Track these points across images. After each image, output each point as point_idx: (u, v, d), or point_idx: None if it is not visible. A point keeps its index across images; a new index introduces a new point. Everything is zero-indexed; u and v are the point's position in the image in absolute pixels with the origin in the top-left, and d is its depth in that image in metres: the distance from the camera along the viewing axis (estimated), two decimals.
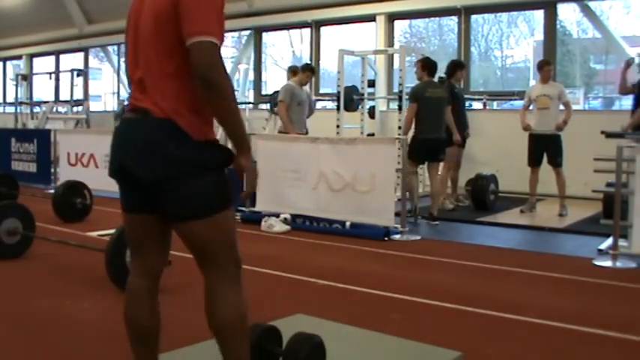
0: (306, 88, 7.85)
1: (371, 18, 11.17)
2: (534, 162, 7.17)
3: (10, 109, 17.00)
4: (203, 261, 2.05)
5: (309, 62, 8.18)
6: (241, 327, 2.04)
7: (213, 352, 2.13)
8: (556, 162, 7.02)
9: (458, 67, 7.72)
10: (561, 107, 7.16)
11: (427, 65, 7.02)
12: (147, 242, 2.11)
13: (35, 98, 16.56)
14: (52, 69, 16.89)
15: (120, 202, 2.13)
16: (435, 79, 7.23)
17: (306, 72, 7.56)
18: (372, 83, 9.41)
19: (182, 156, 1.93)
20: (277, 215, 6.27)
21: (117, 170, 2.05)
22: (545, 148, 7.06)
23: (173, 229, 2.08)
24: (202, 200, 1.95)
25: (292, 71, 7.67)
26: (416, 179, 7.00)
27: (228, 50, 21.12)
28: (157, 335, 2.19)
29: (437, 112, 6.81)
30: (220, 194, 1.99)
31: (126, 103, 14.55)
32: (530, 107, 7.29)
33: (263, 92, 13.04)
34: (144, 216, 2.06)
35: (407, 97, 7.53)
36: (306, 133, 7.38)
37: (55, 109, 14.11)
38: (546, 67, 7.16)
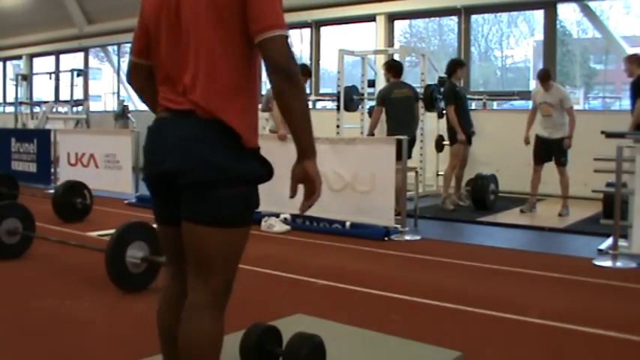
0: None
1: (371, 18, 11.17)
2: (539, 160, 7.19)
3: (10, 109, 17.01)
4: (195, 271, 1.89)
5: (305, 64, 8.14)
6: (211, 356, 1.87)
7: None
8: (560, 162, 7.03)
9: (458, 65, 7.72)
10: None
11: (392, 67, 7.23)
12: (182, 251, 1.97)
13: (35, 98, 16.58)
14: (52, 69, 16.91)
15: (154, 214, 2.03)
16: (407, 80, 7.40)
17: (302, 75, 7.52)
18: (372, 83, 9.40)
19: (224, 161, 1.79)
20: (277, 215, 6.27)
21: (151, 175, 1.93)
22: (550, 150, 7.09)
23: (184, 229, 1.91)
24: (225, 210, 1.82)
25: None
26: (416, 178, 7.01)
27: None
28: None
29: (405, 112, 6.97)
30: (245, 209, 1.86)
31: (126, 103, 14.60)
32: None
33: (263, 92, 13.03)
34: (179, 229, 1.92)
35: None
36: None
37: (55, 109, 14.11)
38: (546, 81, 7.06)
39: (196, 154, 1.79)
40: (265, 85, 8.62)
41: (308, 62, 12.35)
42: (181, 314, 1.94)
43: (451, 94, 7.55)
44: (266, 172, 1.91)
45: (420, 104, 7.76)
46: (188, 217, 1.86)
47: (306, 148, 1.83)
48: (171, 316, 2.04)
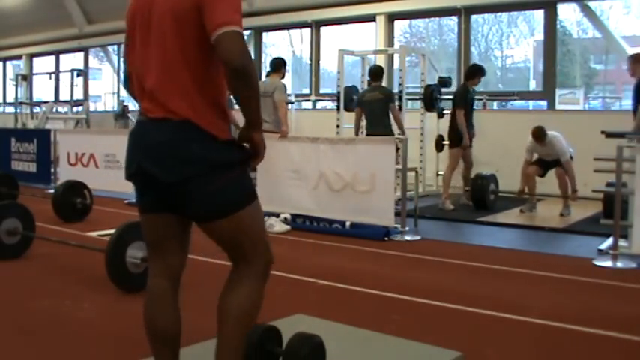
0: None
1: (371, 18, 11.17)
2: (538, 166, 7.18)
3: (10, 109, 17.00)
4: (233, 255, 2.08)
5: (281, 57, 8.47)
6: (245, 321, 2.04)
7: (213, 352, 2.12)
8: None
9: (479, 72, 7.77)
10: None
11: (371, 71, 7.84)
12: (167, 242, 2.11)
13: (35, 98, 16.57)
14: (52, 69, 16.90)
15: (138, 205, 2.13)
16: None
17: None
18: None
19: (205, 156, 1.94)
20: (277, 215, 6.27)
21: (135, 173, 2.04)
22: (551, 165, 7.11)
23: (200, 228, 2.06)
24: (226, 198, 1.97)
25: (278, 68, 7.85)
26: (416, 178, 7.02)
27: None
28: (178, 336, 2.16)
29: (373, 112, 7.52)
30: (243, 191, 2.02)
31: (125, 103, 14.59)
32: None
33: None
34: (164, 216, 2.06)
35: None
36: None
37: (55, 109, 14.11)
38: (541, 140, 6.92)
39: (179, 154, 1.93)
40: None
41: (308, 62, 12.36)
42: (167, 309, 2.09)
43: (464, 97, 7.63)
44: (246, 155, 2.05)
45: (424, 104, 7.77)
46: (198, 218, 2.01)
47: (254, 123, 2.02)
48: (162, 314, 2.10)
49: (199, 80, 1.97)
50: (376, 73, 7.70)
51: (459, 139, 7.59)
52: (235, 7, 1.91)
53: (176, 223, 2.07)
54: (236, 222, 1.99)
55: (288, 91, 8.91)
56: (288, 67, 8.34)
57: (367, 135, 7.56)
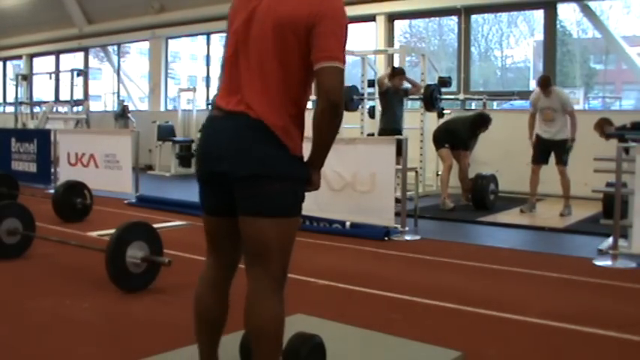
0: None
1: (371, 18, 11.17)
2: (537, 160, 7.18)
3: (10, 109, 17.00)
4: (254, 261, 2.09)
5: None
6: (275, 335, 2.08)
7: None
8: (562, 160, 7.02)
9: (485, 125, 7.83)
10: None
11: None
12: (224, 242, 2.20)
13: (35, 98, 16.57)
14: (52, 69, 16.90)
15: (201, 204, 2.21)
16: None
17: None
18: (372, 83, 9.41)
19: (277, 161, 2.01)
20: None
21: (205, 171, 2.12)
22: (550, 150, 7.11)
23: (242, 224, 2.09)
24: (279, 201, 2.02)
25: None
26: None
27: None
28: (223, 326, 2.25)
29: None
30: (294, 201, 2.08)
31: (126, 103, 14.57)
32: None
33: None
34: (225, 219, 2.15)
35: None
36: None
37: (55, 109, 14.11)
38: (547, 87, 7.00)
39: (253, 151, 1.99)
40: None
41: None
42: (217, 298, 2.21)
43: (471, 142, 7.92)
44: (308, 175, 2.12)
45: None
46: (246, 210, 2.05)
47: (318, 163, 2.13)
48: (208, 301, 2.22)
49: (291, 96, 2.03)
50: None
51: (440, 141, 7.86)
52: (343, 44, 2.04)
53: (234, 225, 2.13)
54: (278, 226, 2.04)
55: None
56: None
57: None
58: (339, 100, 1.97)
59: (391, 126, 7.86)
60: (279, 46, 1.99)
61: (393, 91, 8.01)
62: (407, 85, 8.23)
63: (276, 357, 2.11)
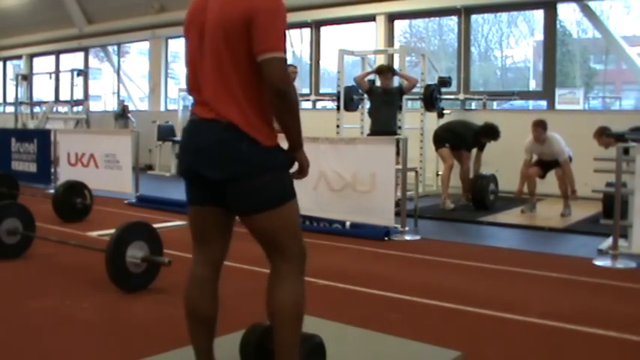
0: None
1: (371, 18, 11.17)
2: (538, 167, 7.19)
3: (10, 109, 16.99)
4: (270, 250, 2.21)
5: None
6: (295, 315, 2.17)
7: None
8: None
9: (490, 137, 7.80)
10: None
11: None
12: (211, 233, 2.26)
13: (35, 98, 16.56)
14: (52, 69, 16.89)
15: (187, 198, 2.28)
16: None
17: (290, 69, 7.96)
18: (371, 83, 9.40)
19: (252, 157, 2.09)
20: None
21: (186, 169, 2.22)
22: (553, 166, 7.13)
23: (241, 223, 2.21)
24: (267, 194, 2.12)
25: None
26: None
27: None
28: (215, 321, 2.30)
29: None
30: (284, 188, 2.17)
31: (126, 103, 14.59)
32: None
33: None
34: (210, 208, 2.22)
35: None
36: None
37: (55, 109, 14.11)
38: (539, 128, 6.96)
39: (227, 154, 2.09)
40: None
41: (308, 62, 12.36)
42: (206, 296, 2.25)
43: (477, 145, 7.89)
44: (288, 159, 2.21)
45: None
46: (240, 210, 2.17)
47: (295, 145, 2.22)
48: (198, 299, 2.26)
49: (250, 91, 2.11)
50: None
51: (440, 141, 7.86)
52: (281, 34, 2.11)
53: (220, 215, 2.22)
54: (277, 216, 2.13)
55: None
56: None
57: None
58: (283, 86, 2.04)
59: (377, 127, 7.69)
60: (229, 48, 2.09)
61: (381, 91, 7.87)
62: (403, 81, 8.08)
63: (295, 337, 2.19)
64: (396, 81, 8.14)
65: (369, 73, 8.32)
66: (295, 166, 2.27)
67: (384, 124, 7.65)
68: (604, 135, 6.86)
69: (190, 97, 2.31)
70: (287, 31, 2.17)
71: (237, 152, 2.09)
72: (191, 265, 2.30)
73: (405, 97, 8.27)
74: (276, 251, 2.19)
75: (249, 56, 2.07)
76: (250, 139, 2.09)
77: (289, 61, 9.17)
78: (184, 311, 2.29)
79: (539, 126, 6.95)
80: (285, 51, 2.10)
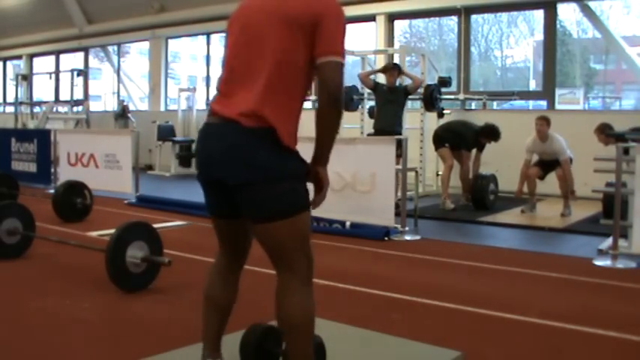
0: None
1: (371, 18, 11.17)
2: (539, 167, 7.20)
3: (10, 109, 16.99)
4: (277, 261, 2.15)
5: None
6: (305, 327, 2.15)
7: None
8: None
9: (491, 138, 7.81)
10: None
11: None
12: (233, 240, 2.30)
13: (35, 98, 16.56)
14: (52, 69, 16.89)
15: (206, 207, 2.26)
16: (407, 80, 7.94)
17: None
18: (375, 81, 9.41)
19: (270, 162, 2.03)
20: None
21: (202, 175, 2.19)
22: (555, 165, 7.13)
23: (254, 231, 2.19)
24: (280, 204, 2.05)
25: None
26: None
27: None
28: (229, 310, 2.35)
29: None
30: (299, 199, 2.09)
31: (125, 103, 14.57)
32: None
33: None
34: (230, 221, 2.22)
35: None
36: None
37: (55, 109, 14.11)
38: (543, 122, 7.00)
39: (244, 159, 2.02)
40: None
41: None
42: (226, 285, 2.32)
43: (476, 145, 7.89)
44: (305, 169, 2.14)
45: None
46: (251, 218, 2.11)
47: (323, 159, 2.17)
48: (217, 287, 2.33)
49: (286, 93, 2.06)
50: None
51: (439, 141, 7.86)
52: (344, 40, 2.09)
53: (240, 226, 2.22)
54: (288, 226, 2.07)
55: None
56: None
57: None
58: (339, 94, 2.02)
59: (380, 126, 7.66)
60: (284, 39, 2.03)
61: (386, 89, 7.85)
62: (407, 81, 8.06)
63: (308, 348, 2.18)
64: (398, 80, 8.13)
65: (373, 72, 8.31)
66: (311, 187, 2.17)
67: (387, 123, 7.58)
68: (604, 133, 6.86)
69: (213, 94, 2.31)
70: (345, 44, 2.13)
71: (253, 157, 2.02)
72: (216, 254, 2.36)
73: (409, 97, 8.28)
74: (282, 263, 2.14)
75: (305, 54, 2.03)
76: (272, 140, 2.02)
77: None
78: (203, 294, 2.33)
79: (543, 119, 6.97)
80: (344, 57, 2.07)
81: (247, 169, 2.02)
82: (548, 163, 7.17)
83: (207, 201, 2.25)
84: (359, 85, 9.43)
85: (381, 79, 8.40)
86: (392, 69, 7.92)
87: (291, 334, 2.14)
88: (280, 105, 2.04)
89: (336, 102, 2.02)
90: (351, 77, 10.22)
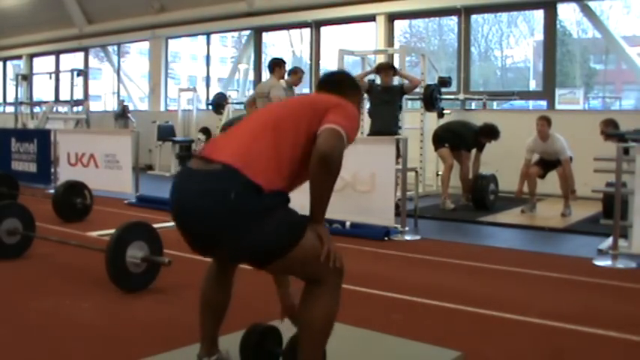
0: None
1: (371, 18, 11.18)
2: (539, 167, 7.20)
3: (10, 109, 17.00)
4: (303, 279, 2.17)
5: (297, 66, 8.77)
6: (325, 331, 2.15)
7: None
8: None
9: (491, 136, 7.81)
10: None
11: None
12: (223, 260, 2.37)
13: (35, 98, 16.56)
14: (52, 69, 16.89)
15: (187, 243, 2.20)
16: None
17: (298, 73, 8.31)
18: (371, 82, 9.40)
19: (243, 205, 1.98)
20: None
21: (176, 221, 2.18)
22: (556, 164, 7.14)
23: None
24: (272, 243, 2.02)
25: (273, 70, 7.89)
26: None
27: (228, 50, 21.09)
28: (225, 310, 2.41)
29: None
30: (288, 230, 2.05)
31: (125, 103, 14.58)
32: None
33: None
34: (215, 253, 2.24)
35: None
36: None
37: (55, 109, 14.11)
38: (544, 122, 7.00)
39: (212, 205, 2.00)
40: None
41: (308, 62, 12.36)
42: (221, 286, 2.38)
43: (476, 145, 7.89)
44: (285, 197, 2.12)
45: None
46: (252, 264, 2.09)
47: (316, 217, 2.13)
48: (211, 285, 2.40)
49: (287, 158, 2.10)
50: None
51: (439, 141, 7.87)
52: (347, 116, 2.17)
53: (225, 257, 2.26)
54: (290, 261, 2.05)
55: None
56: (289, 67, 8.38)
57: None
58: (331, 155, 2.01)
59: (376, 128, 7.59)
60: (300, 122, 2.15)
61: (381, 89, 7.79)
62: (404, 81, 8.00)
63: (320, 351, 2.20)
64: (397, 80, 8.12)
65: (368, 73, 8.28)
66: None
67: (383, 125, 7.51)
68: (607, 129, 6.86)
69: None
70: (352, 129, 2.17)
71: (221, 202, 1.97)
72: (211, 260, 2.41)
73: (405, 96, 8.25)
74: (308, 279, 2.15)
75: (306, 137, 2.11)
76: (245, 184, 1.98)
77: (289, 62, 9.25)
78: (199, 293, 2.40)
79: (544, 119, 6.97)
80: (348, 132, 2.10)
81: (218, 216, 2.00)
82: (549, 163, 7.17)
83: (186, 241, 2.19)
84: None
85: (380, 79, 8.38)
86: (387, 68, 7.88)
87: (308, 335, 2.15)
88: (268, 168, 2.05)
89: (324, 163, 2.01)
90: None
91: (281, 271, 2.17)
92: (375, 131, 7.60)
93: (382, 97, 7.71)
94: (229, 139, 2.21)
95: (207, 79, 14.77)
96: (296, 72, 8.31)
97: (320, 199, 2.10)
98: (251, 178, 1.99)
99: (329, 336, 2.18)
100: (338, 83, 2.47)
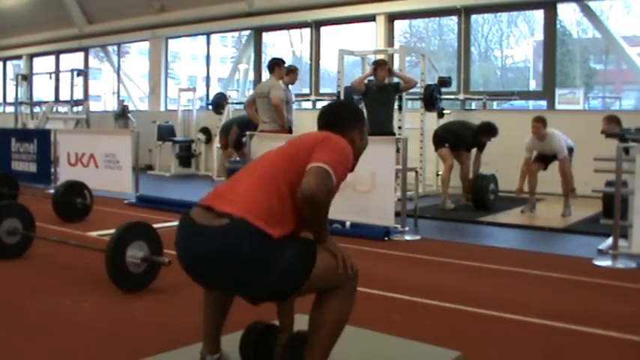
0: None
1: (371, 18, 11.17)
2: (539, 162, 7.21)
3: (10, 109, 16.99)
4: (326, 290, 2.22)
5: (292, 64, 8.94)
6: (338, 330, 2.21)
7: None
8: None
9: (490, 134, 7.78)
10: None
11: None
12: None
13: (35, 98, 16.55)
14: (52, 69, 16.89)
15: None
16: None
17: (294, 72, 8.47)
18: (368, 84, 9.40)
19: (256, 257, 2.04)
20: None
21: (187, 273, 2.20)
22: (553, 158, 7.15)
23: None
24: (288, 283, 2.10)
25: (273, 70, 7.95)
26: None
27: (228, 50, 21.07)
28: (226, 309, 2.45)
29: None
30: (300, 264, 2.11)
31: (125, 103, 14.57)
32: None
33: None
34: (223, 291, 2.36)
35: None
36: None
37: (55, 109, 14.10)
38: (538, 124, 6.98)
39: (227, 262, 2.03)
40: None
41: (308, 62, 12.36)
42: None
43: (476, 145, 7.88)
44: (292, 236, 2.18)
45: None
46: (273, 301, 2.26)
47: (321, 237, 2.21)
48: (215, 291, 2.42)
49: (279, 202, 2.14)
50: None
51: (439, 141, 7.87)
52: (333, 150, 2.20)
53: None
54: (308, 286, 2.14)
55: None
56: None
57: None
58: (315, 195, 2.03)
59: (372, 129, 7.40)
60: (291, 164, 2.21)
61: (375, 89, 7.75)
62: (396, 79, 7.97)
63: (329, 352, 2.23)
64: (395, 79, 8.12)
65: (366, 77, 8.21)
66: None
67: (379, 125, 7.39)
68: (606, 131, 6.86)
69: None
70: (341, 162, 2.21)
71: (235, 259, 2.02)
72: None
73: (404, 96, 8.24)
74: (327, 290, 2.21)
75: (300, 175, 2.12)
76: (256, 233, 2.04)
77: (289, 62, 9.23)
78: (202, 295, 2.42)
79: (539, 121, 6.97)
80: (337, 172, 2.13)
81: (235, 271, 2.06)
82: (549, 158, 7.18)
83: (195, 281, 2.24)
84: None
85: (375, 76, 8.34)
86: (383, 63, 7.85)
87: (320, 335, 2.18)
88: (268, 213, 2.09)
89: (310, 203, 2.05)
90: (351, 77, 10.22)
91: (302, 295, 2.19)
92: (371, 133, 7.54)
93: (378, 99, 7.70)
94: (232, 189, 2.21)
95: (207, 79, 14.77)
96: (292, 71, 8.45)
97: (319, 223, 2.17)
98: (262, 228, 2.04)
99: (339, 337, 2.22)
100: (335, 118, 2.46)
